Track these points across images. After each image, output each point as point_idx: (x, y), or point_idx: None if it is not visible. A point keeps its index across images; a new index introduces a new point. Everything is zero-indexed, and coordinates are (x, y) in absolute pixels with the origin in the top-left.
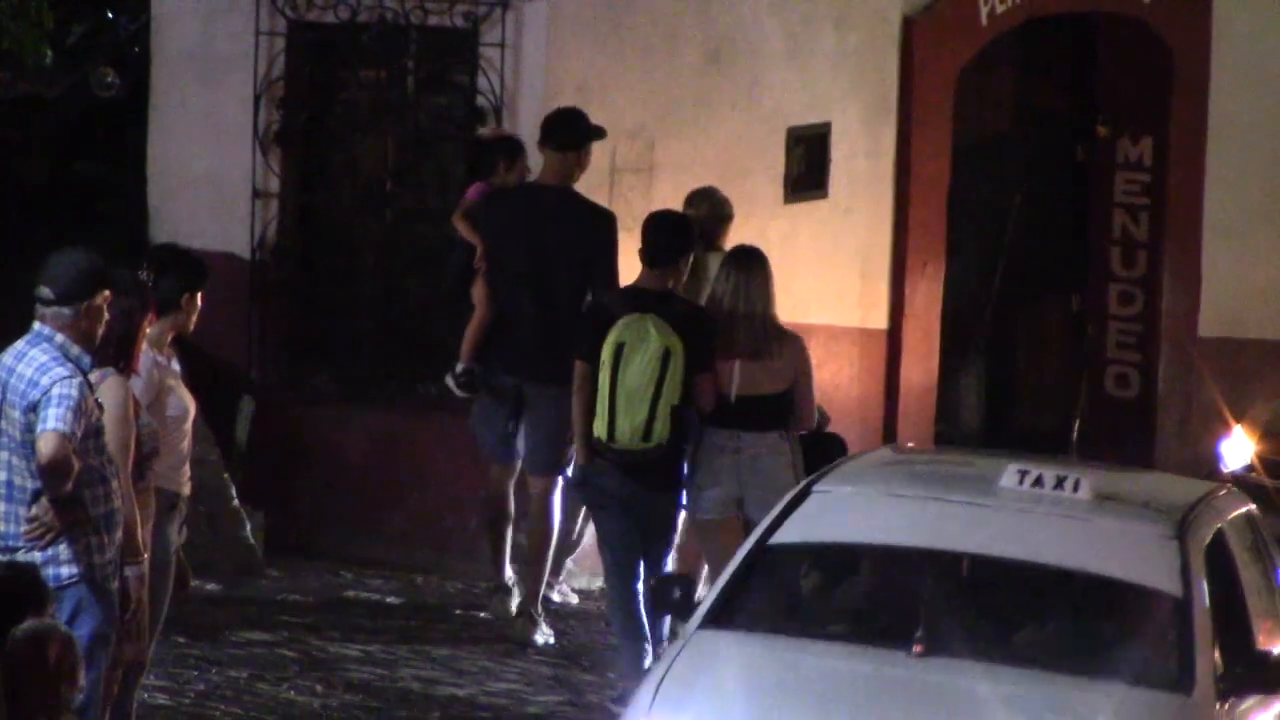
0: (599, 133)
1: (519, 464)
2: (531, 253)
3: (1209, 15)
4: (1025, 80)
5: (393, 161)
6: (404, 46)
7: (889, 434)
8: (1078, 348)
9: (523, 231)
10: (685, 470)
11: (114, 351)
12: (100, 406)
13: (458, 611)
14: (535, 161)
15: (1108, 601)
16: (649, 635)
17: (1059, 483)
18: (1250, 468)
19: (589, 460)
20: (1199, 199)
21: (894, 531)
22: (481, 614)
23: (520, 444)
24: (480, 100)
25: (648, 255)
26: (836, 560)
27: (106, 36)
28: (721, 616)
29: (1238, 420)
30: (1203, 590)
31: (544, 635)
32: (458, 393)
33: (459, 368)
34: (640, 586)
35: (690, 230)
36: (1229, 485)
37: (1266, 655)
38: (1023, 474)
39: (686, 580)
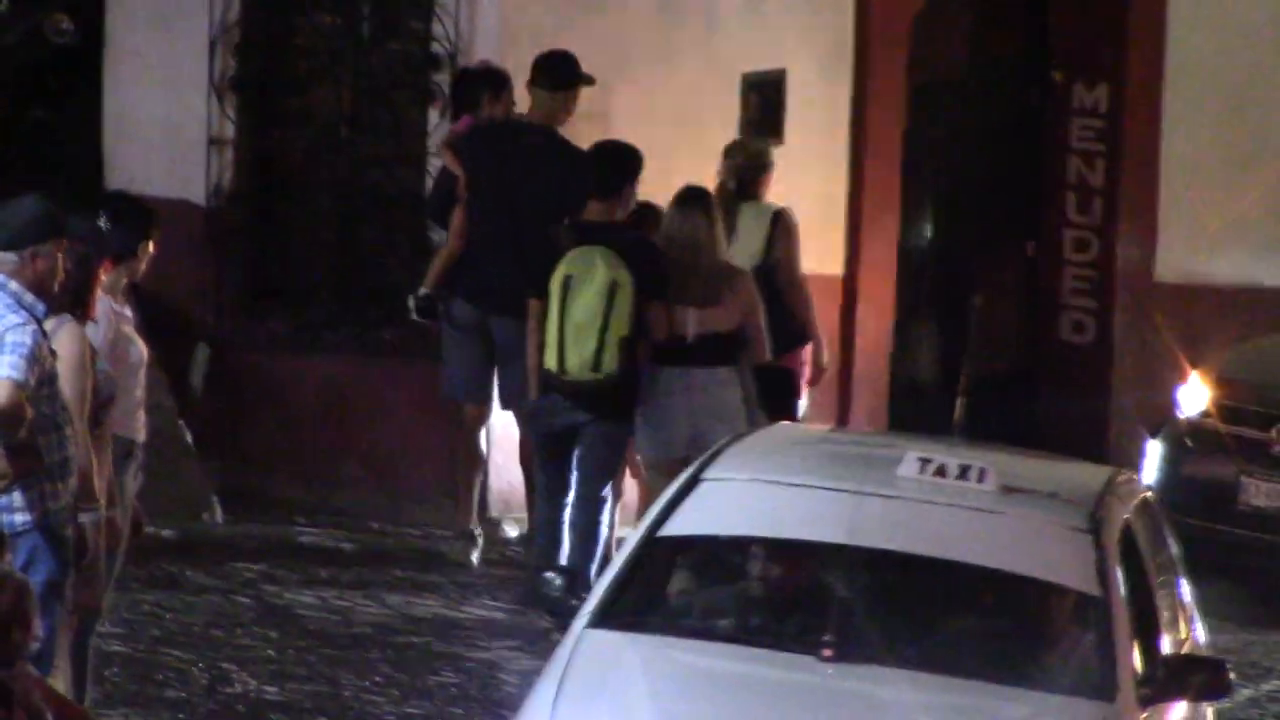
0: (588, 79)
1: (492, 406)
2: (509, 187)
3: None
4: (980, 26)
5: (348, 108)
6: None
7: (844, 379)
8: (1032, 295)
9: (503, 166)
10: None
11: (70, 299)
12: (54, 354)
13: (413, 558)
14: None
15: (1024, 601)
16: (562, 552)
17: (962, 472)
18: (1206, 414)
19: (542, 394)
20: (1155, 145)
21: (792, 524)
22: (436, 560)
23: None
24: (435, 47)
25: (593, 187)
26: (732, 554)
27: None
28: (612, 615)
29: (1194, 366)
30: (1120, 588)
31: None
32: (414, 317)
33: (420, 292)
34: (567, 506)
35: (634, 159)
36: (1126, 471)
37: (1191, 659)
38: (924, 462)
39: (570, 573)
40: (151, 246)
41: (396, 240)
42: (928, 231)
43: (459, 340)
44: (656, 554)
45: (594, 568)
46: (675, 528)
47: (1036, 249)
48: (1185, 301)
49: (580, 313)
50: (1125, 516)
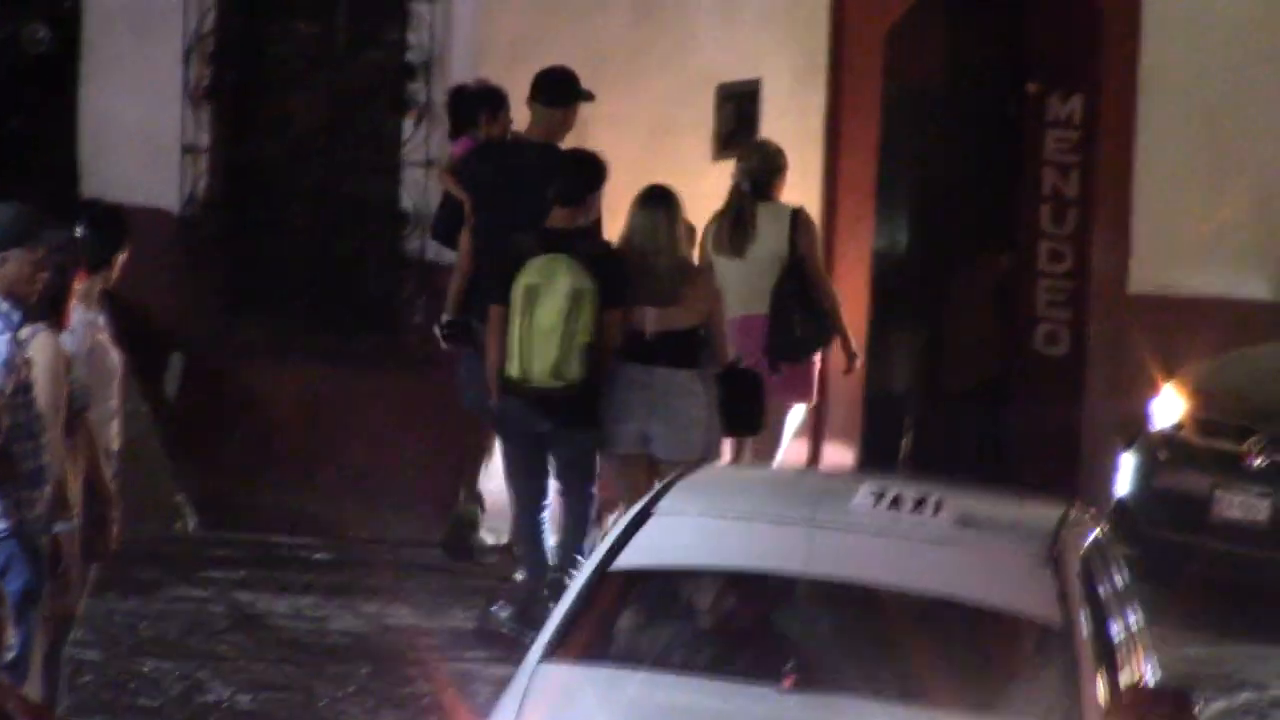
0: (587, 95)
1: None
2: (513, 206)
3: None
4: (955, 37)
5: (323, 117)
6: (335, 2)
7: (819, 390)
8: (1006, 306)
9: (507, 186)
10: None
11: (46, 307)
12: (29, 363)
13: (388, 567)
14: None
15: (985, 632)
16: (548, 563)
17: (918, 504)
18: (1180, 426)
19: (502, 399)
20: (1129, 156)
21: (748, 555)
22: (412, 569)
23: None
24: (410, 56)
25: (558, 194)
26: (686, 586)
27: None
28: (565, 648)
29: (1168, 378)
30: (1083, 620)
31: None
32: (444, 346)
33: (444, 319)
34: (545, 516)
35: (597, 167)
36: (1080, 505)
37: (1156, 691)
38: (878, 495)
39: (524, 600)
40: (125, 255)
41: (371, 249)
42: (903, 243)
43: (477, 359)
44: (609, 587)
45: (586, 545)
46: (628, 561)
47: (1011, 260)
48: (1159, 313)
49: (544, 320)
50: (1081, 551)
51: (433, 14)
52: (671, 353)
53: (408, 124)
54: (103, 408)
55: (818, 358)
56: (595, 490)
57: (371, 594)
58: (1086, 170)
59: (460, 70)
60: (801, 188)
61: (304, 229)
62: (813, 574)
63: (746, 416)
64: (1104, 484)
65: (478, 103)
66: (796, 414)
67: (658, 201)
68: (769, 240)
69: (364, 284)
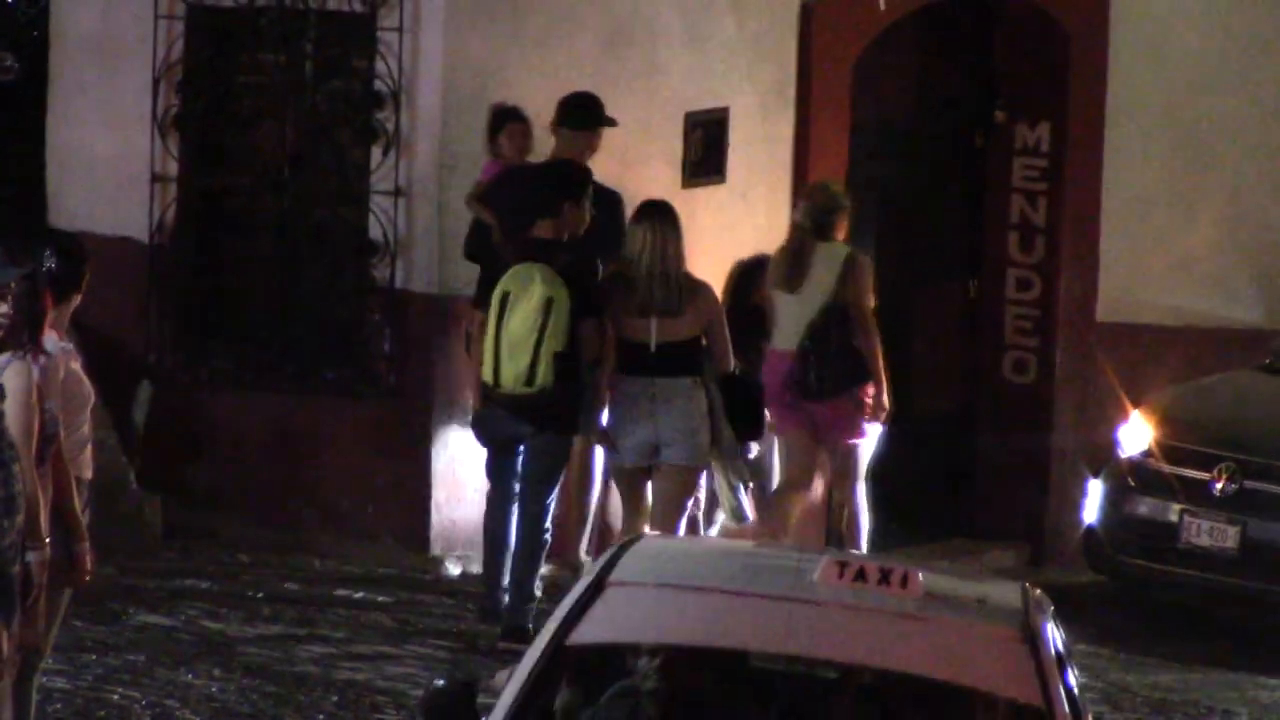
0: (611, 121)
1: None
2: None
3: (1107, 0)
4: (924, 66)
5: (291, 145)
6: (302, 30)
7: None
8: (974, 334)
9: (529, 209)
10: (580, 413)
11: (18, 335)
12: (1, 392)
13: (355, 596)
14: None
15: (961, 712)
16: (509, 564)
17: (884, 577)
18: (1148, 454)
19: (481, 404)
20: (1097, 184)
21: (709, 630)
22: (379, 598)
23: None
24: (378, 84)
25: (537, 205)
26: (645, 663)
27: (4, 20)
28: None
29: (1136, 406)
30: (1063, 699)
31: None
32: None
33: None
34: (514, 519)
35: (576, 179)
36: (1031, 585)
37: None
38: (842, 566)
39: (469, 689)
40: (85, 283)
41: (339, 278)
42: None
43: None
44: (564, 662)
45: (536, 581)
46: (584, 635)
47: (979, 288)
48: (1127, 341)
49: (516, 328)
50: (1049, 626)
51: (400, 42)
52: (674, 362)
53: (375, 152)
54: (75, 436)
55: (863, 395)
56: (549, 510)
57: (339, 623)
58: (1054, 198)
59: (427, 98)
60: (769, 215)
61: (272, 257)
62: (782, 651)
63: (746, 423)
64: (1073, 511)
65: (489, 127)
66: (861, 449)
67: (657, 214)
68: (820, 279)
69: (332, 313)
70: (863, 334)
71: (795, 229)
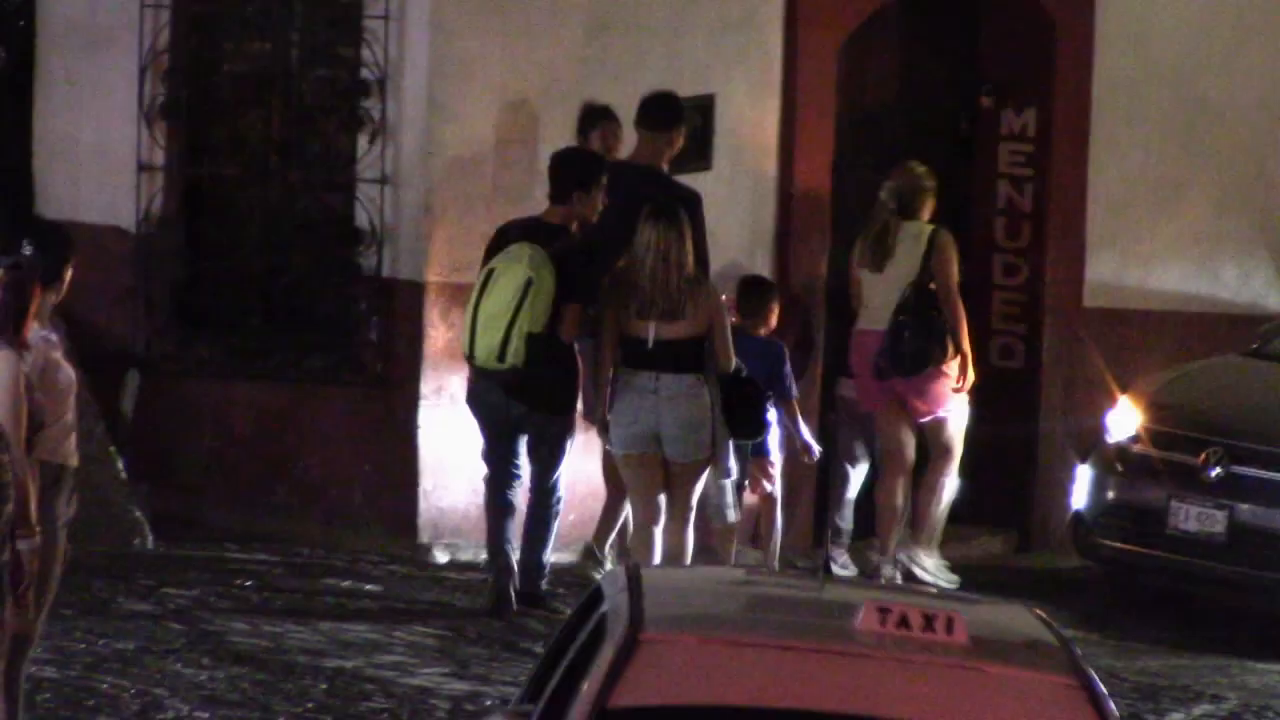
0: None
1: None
2: (618, 228)
3: None
4: (909, 52)
5: (277, 134)
6: (289, 19)
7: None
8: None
9: (609, 207)
10: (578, 396)
11: (3, 326)
12: None
13: (344, 584)
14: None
15: None
16: (512, 542)
17: (928, 622)
18: (1135, 439)
19: (476, 379)
20: (1083, 170)
21: (759, 689)
22: (368, 586)
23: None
24: (364, 73)
25: (549, 191)
26: None
27: None
28: None
29: (1123, 391)
30: None
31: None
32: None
33: None
34: (513, 496)
35: (588, 166)
36: (1032, 608)
37: None
38: (884, 613)
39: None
40: (70, 270)
41: (326, 266)
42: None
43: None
44: None
45: (548, 550)
46: (625, 698)
47: (966, 273)
48: (1114, 326)
49: (493, 304)
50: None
51: (387, 31)
52: (677, 359)
53: (362, 140)
54: (58, 424)
55: (947, 369)
56: (558, 484)
57: (328, 611)
58: (1040, 184)
59: (413, 86)
60: (755, 202)
61: (259, 246)
62: (840, 710)
63: (745, 422)
64: (1060, 497)
65: (580, 123)
66: (952, 422)
67: (664, 216)
68: (904, 258)
69: (319, 301)
70: (949, 309)
71: (880, 208)
